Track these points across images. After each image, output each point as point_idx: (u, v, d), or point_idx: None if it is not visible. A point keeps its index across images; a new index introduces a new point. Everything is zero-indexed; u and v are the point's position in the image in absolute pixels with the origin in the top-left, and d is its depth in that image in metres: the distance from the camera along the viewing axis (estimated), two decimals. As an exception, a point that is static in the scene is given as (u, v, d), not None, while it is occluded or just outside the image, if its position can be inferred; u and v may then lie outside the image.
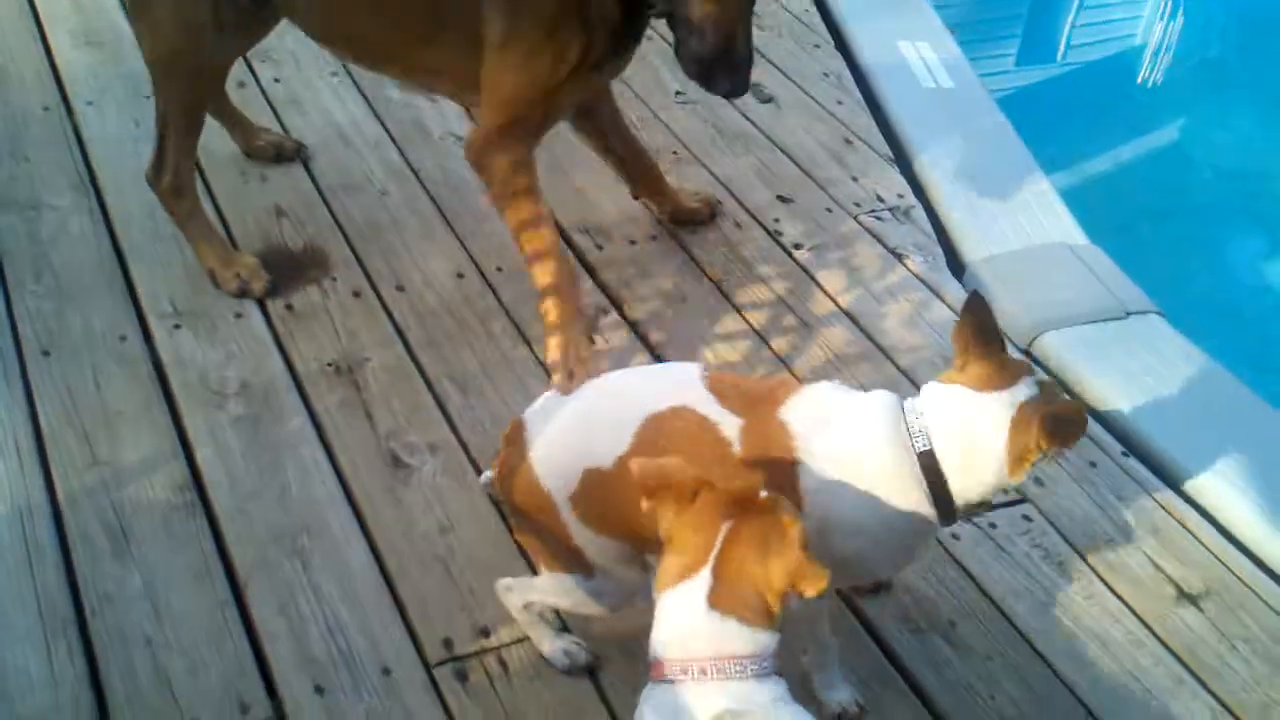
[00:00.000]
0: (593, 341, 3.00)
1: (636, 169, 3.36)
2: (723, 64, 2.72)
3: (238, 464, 2.65)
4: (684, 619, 1.72)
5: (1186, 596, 2.59)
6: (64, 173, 3.39)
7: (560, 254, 2.87)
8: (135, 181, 3.34)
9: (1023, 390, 1.95)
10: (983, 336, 1.99)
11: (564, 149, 3.69)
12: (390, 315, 3.07)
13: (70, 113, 3.62)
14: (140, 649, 2.27)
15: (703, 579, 1.71)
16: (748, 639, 1.70)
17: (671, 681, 1.71)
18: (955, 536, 2.65)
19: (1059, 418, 1.91)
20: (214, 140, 3.40)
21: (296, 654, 2.29)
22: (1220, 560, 2.68)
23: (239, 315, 3.01)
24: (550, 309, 2.83)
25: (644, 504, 1.77)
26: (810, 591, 1.69)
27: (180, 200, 3.06)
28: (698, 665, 1.69)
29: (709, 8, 2.65)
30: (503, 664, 2.32)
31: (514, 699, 2.26)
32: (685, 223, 3.46)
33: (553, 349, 2.82)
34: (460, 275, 3.19)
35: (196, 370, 2.85)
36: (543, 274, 2.83)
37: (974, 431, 1.95)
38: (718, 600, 1.70)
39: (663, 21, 2.78)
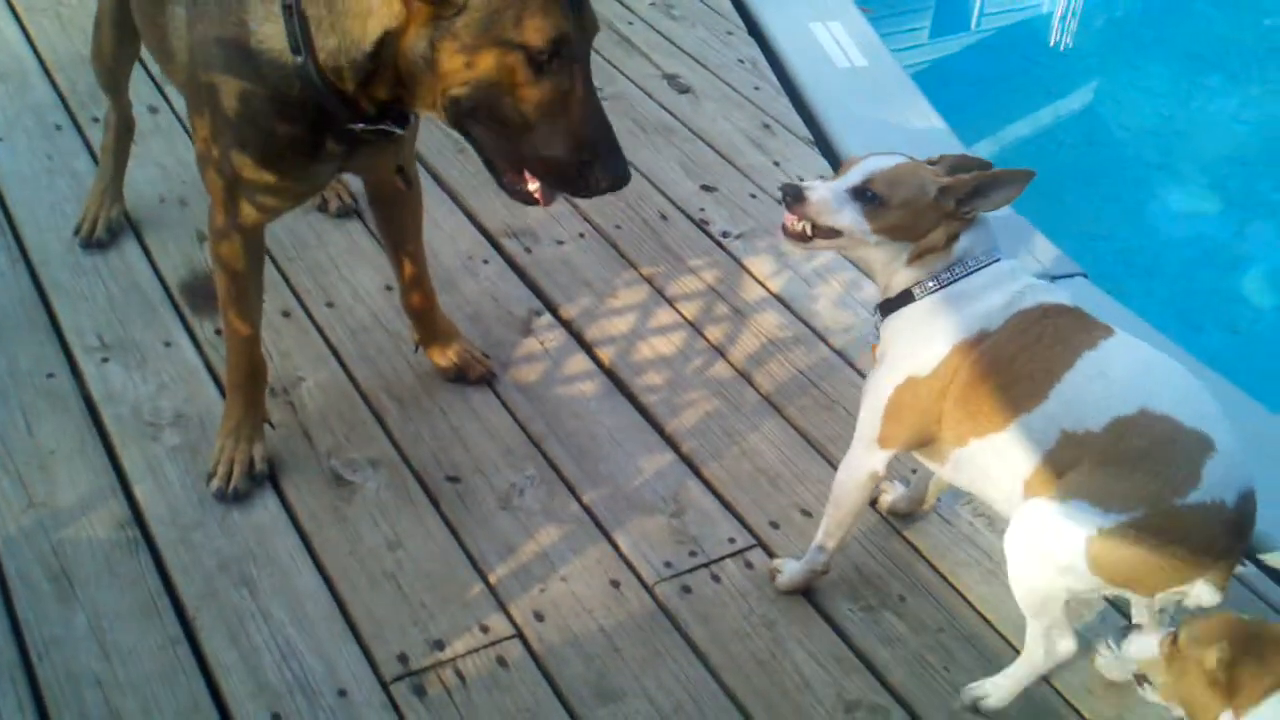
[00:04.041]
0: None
1: (414, 292, 2.87)
2: (599, 152, 2.05)
3: (178, 495, 2.62)
4: None
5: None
6: (-23, 211, 3.33)
7: (253, 355, 2.65)
8: (52, 216, 3.30)
9: None
10: None
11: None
12: (322, 333, 3.05)
13: (-21, 149, 3.55)
14: (91, 690, 2.24)
15: None
16: None
17: None
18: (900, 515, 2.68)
19: None
20: (133, 169, 3.35)
21: (251, 683, 2.27)
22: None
23: (168, 344, 2.97)
24: (228, 407, 2.67)
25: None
26: None
27: None
28: None
29: (542, 93, 1.99)
30: (459, 675, 2.32)
31: (473, 710, 2.26)
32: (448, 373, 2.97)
33: (215, 453, 2.64)
34: (389, 288, 3.16)
35: (129, 403, 2.82)
36: (230, 370, 2.66)
37: None
38: None
39: None
